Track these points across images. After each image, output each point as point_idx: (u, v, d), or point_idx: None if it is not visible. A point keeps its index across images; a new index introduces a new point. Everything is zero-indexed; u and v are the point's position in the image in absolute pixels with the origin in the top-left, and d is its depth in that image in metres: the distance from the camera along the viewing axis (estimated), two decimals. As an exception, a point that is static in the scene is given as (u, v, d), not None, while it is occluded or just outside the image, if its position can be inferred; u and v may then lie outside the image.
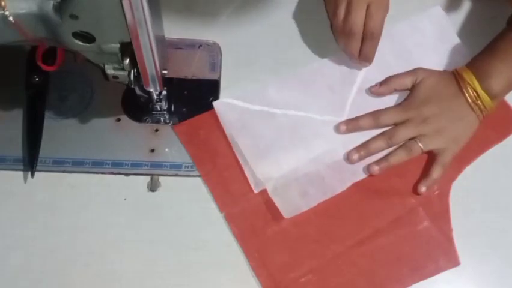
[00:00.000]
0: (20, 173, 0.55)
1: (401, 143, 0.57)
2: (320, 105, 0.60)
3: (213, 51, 0.63)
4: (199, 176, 0.56)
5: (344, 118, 0.59)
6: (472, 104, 0.56)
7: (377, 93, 0.60)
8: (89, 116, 0.58)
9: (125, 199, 0.55)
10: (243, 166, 0.56)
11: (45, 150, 0.56)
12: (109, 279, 0.51)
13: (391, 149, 0.57)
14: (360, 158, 0.57)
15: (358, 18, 0.57)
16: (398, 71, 0.61)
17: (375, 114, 0.58)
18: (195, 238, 0.53)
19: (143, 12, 0.41)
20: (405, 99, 0.59)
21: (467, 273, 0.54)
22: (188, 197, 0.55)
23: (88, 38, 0.44)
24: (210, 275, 0.52)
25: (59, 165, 0.55)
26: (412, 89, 0.59)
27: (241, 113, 0.59)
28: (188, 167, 0.56)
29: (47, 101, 0.58)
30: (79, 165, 0.56)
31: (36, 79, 0.58)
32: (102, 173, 0.56)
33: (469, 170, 0.58)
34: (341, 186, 0.56)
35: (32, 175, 0.54)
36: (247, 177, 0.56)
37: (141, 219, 0.54)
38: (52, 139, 0.56)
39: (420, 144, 0.56)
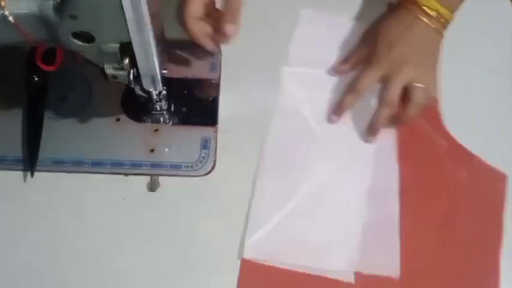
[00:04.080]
0: (20, 173, 0.55)
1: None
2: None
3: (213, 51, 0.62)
4: (199, 176, 0.56)
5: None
6: (436, 24, 0.56)
7: (339, 72, 0.61)
8: (89, 116, 0.58)
9: (125, 199, 0.55)
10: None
11: (45, 150, 0.56)
12: (109, 279, 0.51)
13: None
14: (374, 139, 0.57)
15: None
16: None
17: (353, 88, 0.58)
18: (195, 238, 0.53)
19: (143, 12, 0.41)
20: (370, 56, 0.58)
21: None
22: (188, 197, 0.55)
23: (87, 38, 0.44)
24: (209, 275, 0.52)
25: (59, 165, 0.55)
26: (370, 45, 0.59)
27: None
28: (188, 167, 0.56)
29: (46, 101, 0.58)
30: (78, 165, 0.56)
31: (36, 79, 0.58)
32: (102, 173, 0.56)
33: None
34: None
35: (32, 175, 0.54)
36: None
37: (141, 219, 0.54)
38: (52, 139, 0.56)
39: (418, 84, 0.55)
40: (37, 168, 0.54)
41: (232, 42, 0.63)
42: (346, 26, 0.64)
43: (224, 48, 0.63)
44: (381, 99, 0.56)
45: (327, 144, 0.58)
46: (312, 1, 0.66)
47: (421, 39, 0.57)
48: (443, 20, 0.56)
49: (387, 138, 0.59)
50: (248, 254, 0.52)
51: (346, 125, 0.59)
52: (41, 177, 0.55)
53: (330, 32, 0.63)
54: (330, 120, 0.59)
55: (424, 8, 0.56)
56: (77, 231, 0.53)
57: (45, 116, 0.57)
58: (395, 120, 0.57)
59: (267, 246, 0.52)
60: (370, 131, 0.58)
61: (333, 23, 0.64)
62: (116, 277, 0.52)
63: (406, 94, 0.56)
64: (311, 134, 0.59)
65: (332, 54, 0.63)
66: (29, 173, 0.54)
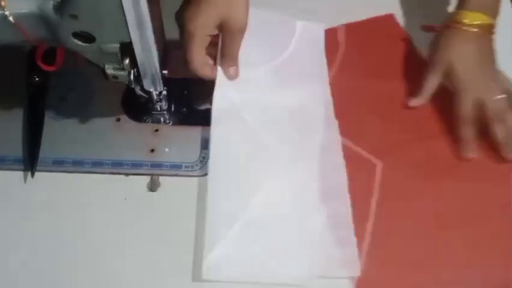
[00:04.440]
0: (20, 173, 0.55)
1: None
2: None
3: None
4: (199, 176, 0.56)
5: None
6: (483, 30, 0.59)
7: (414, 106, 0.61)
8: (89, 116, 0.58)
9: (125, 199, 0.55)
10: None
11: (45, 150, 0.56)
12: (109, 279, 0.51)
13: None
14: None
15: None
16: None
17: (463, 120, 0.58)
18: (195, 238, 0.53)
19: (143, 12, 0.41)
20: (455, 87, 0.59)
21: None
22: (188, 197, 0.55)
23: (88, 38, 0.44)
24: (210, 275, 0.52)
25: (59, 165, 0.55)
26: (448, 76, 0.59)
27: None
28: (188, 167, 0.56)
29: (47, 101, 0.58)
30: (79, 165, 0.56)
31: (36, 79, 0.58)
32: (102, 173, 0.56)
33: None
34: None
35: (32, 175, 0.54)
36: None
37: (141, 219, 0.54)
38: (52, 139, 0.56)
39: (500, 96, 0.57)
40: (37, 168, 0.54)
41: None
42: (268, 22, 0.63)
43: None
44: (491, 121, 0.57)
45: (271, 146, 0.56)
46: (314, 3, 0.67)
47: (481, 50, 0.59)
48: (489, 25, 0.59)
49: (331, 132, 0.58)
50: (207, 275, 0.50)
51: (288, 125, 0.58)
52: (41, 177, 0.55)
53: (254, 30, 0.58)
54: (470, 156, 0.57)
55: (468, 24, 0.59)
56: (77, 231, 0.53)
57: (45, 116, 0.57)
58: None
59: (224, 265, 0.50)
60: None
61: (254, 21, 0.59)
62: (116, 277, 0.51)
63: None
64: (255, 138, 0.57)
65: (262, 54, 0.61)
66: (29, 173, 0.54)
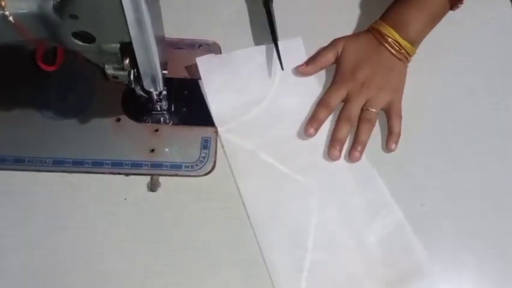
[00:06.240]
0: (20, 173, 0.55)
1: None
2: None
3: (213, 51, 0.63)
4: (199, 176, 0.56)
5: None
6: (397, 54, 0.59)
7: (305, 73, 0.61)
8: (89, 116, 0.58)
9: (125, 199, 0.55)
10: None
11: (46, 150, 0.56)
12: (109, 279, 0.51)
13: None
14: (340, 152, 0.57)
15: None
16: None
17: (324, 103, 0.59)
18: (195, 238, 0.53)
19: (143, 12, 0.41)
20: (336, 74, 0.61)
21: (468, 273, 0.54)
22: (188, 197, 0.55)
23: (88, 38, 0.44)
24: (210, 275, 0.52)
25: (59, 165, 0.55)
26: (337, 61, 0.61)
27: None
28: (188, 167, 0.56)
29: (47, 101, 0.58)
30: (79, 165, 0.56)
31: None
32: (102, 173, 0.56)
33: (467, 169, 0.58)
34: None
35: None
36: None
37: (141, 219, 0.54)
38: (52, 139, 0.56)
39: (373, 109, 0.58)
40: (37, 168, 0.55)
41: (231, 42, 0.63)
42: (251, 56, 0.62)
43: (224, 48, 0.63)
44: (341, 116, 0.58)
45: (305, 183, 0.56)
46: (313, 2, 0.67)
47: (385, 64, 0.59)
48: (404, 51, 0.59)
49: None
50: None
51: (307, 152, 0.58)
52: (41, 177, 0.55)
53: (237, 68, 0.60)
54: (307, 134, 0.57)
55: (386, 37, 0.59)
56: (77, 231, 0.53)
57: (45, 116, 0.57)
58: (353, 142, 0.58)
59: None
60: (333, 145, 0.57)
61: (236, 58, 0.61)
62: (116, 277, 0.52)
63: (361, 114, 0.58)
64: (282, 177, 0.56)
65: (253, 88, 0.60)
66: (29, 173, 0.54)
